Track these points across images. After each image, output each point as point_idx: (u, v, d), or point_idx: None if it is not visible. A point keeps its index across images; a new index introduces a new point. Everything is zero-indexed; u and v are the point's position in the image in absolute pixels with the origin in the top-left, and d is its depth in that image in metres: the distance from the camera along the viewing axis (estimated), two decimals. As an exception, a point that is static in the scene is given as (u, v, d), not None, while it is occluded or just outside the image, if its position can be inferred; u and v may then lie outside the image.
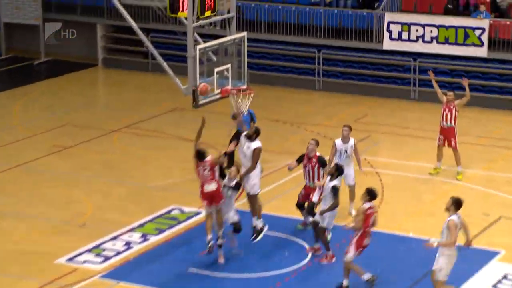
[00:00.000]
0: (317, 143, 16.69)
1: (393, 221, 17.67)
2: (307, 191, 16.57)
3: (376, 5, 27.21)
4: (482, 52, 25.29)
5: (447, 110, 19.48)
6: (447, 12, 26.34)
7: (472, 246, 14.32)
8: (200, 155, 15.51)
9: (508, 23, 25.28)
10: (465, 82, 19.78)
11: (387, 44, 26.44)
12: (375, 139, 22.74)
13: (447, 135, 19.54)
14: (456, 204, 13.83)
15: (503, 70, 25.32)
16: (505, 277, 15.28)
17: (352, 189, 17.75)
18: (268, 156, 20.92)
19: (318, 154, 16.56)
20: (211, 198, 15.40)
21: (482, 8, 25.54)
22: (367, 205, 14.49)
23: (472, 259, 15.83)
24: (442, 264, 13.79)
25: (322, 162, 16.44)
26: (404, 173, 20.32)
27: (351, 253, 14.60)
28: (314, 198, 16.15)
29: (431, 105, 25.29)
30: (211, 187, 15.37)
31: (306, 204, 16.67)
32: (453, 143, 19.54)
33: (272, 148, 21.25)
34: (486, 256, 16.04)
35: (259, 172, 16.51)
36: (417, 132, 23.33)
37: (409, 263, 15.91)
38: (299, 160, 16.72)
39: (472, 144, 22.04)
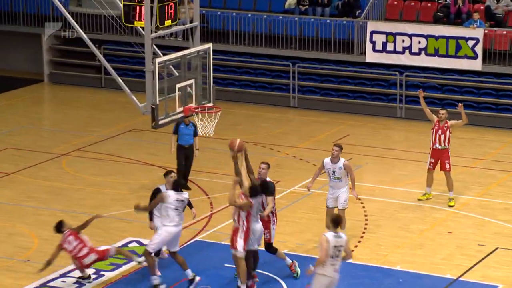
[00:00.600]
0: (269, 166, 16.74)
1: (378, 253, 17.86)
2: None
3: (357, 13, 27.54)
4: (476, 65, 25.67)
5: (440, 131, 19.71)
6: (437, 21, 26.71)
7: (348, 260, 14.62)
8: None
9: (504, 32, 25.70)
10: (460, 108, 19.98)
11: (370, 56, 26.76)
12: (357, 162, 22.92)
13: (440, 157, 19.79)
14: (334, 222, 14.02)
15: (499, 85, 25.68)
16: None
17: (341, 214, 17.90)
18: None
19: (268, 179, 16.58)
20: None
21: (476, 16, 25.91)
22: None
23: (468, 295, 16.18)
24: (313, 285, 14.01)
25: (270, 189, 16.30)
26: (390, 200, 20.54)
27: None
28: (267, 237, 16.31)
29: (419, 124, 25.66)
30: None
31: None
32: (447, 166, 19.79)
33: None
34: (486, 292, 16.29)
35: None
36: (404, 154, 23.60)
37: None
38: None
39: (466, 167, 22.34)
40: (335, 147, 17.86)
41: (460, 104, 20.19)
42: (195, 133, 20.60)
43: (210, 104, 19.65)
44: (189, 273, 15.94)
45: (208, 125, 19.51)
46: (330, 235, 13.91)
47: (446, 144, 19.74)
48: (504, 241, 18.30)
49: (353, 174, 17.91)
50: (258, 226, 15.90)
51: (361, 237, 18.57)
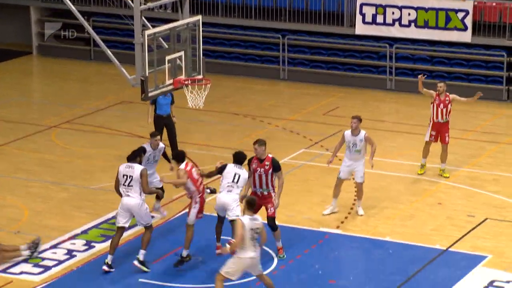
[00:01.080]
0: (263, 143, 16.55)
1: (368, 224, 17.95)
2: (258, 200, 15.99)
3: (347, -15, 27.50)
4: (465, 37, 25.69)
5: (442, 105, 19.76)
6: (428, -8, 26.67)
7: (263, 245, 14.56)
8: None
9: (494, 4, 25.70)
10: (478, 95, 20.19)
11: (360, 29, 26.77)
12: (347, 134, 23.00)
13: (440, 130, 19.85)
14: (249, 205, 14.09)
15: (489, 56, 25.72)
16: (491, 283, 15.58)
17: (359, 187, 18.02)
18: (227, 153, 21.15)
19: (270, 155, 16.55)
20: None
21: (466, -12, 25.94)
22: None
23: (456, 264, 16.24)
24: (229, 264, 14.14)
25: (276, 166, 16.37)
26: (380, 172, 20.58)
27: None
28: (271, 210, 16.29)
29: (409, 96, 25.76)
30: None
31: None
32: (446, 139, 19.88)
33: (233, 145, 21.45)
34: (472, 261, 16.31)
35: None
36: (394, 126, 23.67)
37: (385, 269, 16.17)
38: (248, 161, 16.45)
39: (456, 138, 22.36)
40: (353, 119, 17.92)
41: (479, 93, 20.19)
42: (172, 102, 20.80)
43: (200, 77, 19.60)
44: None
45: (197, 97, 19.48)
46: (245, 218, 14.00)
47: (447, 117, 19.81)
48: (493, 212, 18.41)
49: (375, 144, 18.01)
50: (227, 196, 16.04)
51: (351, 208, 18.63)
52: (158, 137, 17.81)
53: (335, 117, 24.34)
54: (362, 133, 17.88)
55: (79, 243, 17.05)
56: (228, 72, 27.70)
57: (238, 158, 16.24)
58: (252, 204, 14.13)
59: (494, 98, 25.37)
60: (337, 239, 17.23)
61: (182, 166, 16.02)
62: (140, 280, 15.74)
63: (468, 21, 25.56)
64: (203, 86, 18.41)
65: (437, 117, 19.83)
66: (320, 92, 26.48)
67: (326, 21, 27.19)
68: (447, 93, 19.80)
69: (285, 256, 16.53)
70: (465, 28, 25.67)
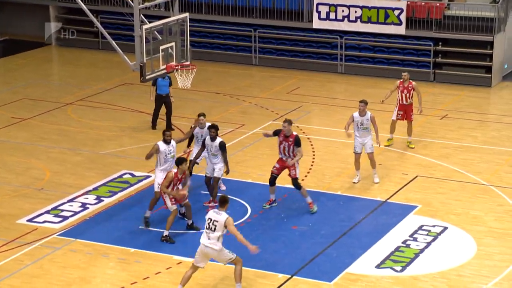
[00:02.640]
0: (291, 123, 16.25)
1: (323, 181, 17.99)
2: (282, 164, 16.40)
3: (306, -12, 27.39)
4: (400, 30, 25.69)
5: (405, 91, 19.58)
6: (370, -6, 26.64)
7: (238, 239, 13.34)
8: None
9: (423, 3, 25.69)
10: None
11: (317, 23, 26.69)
12: (306, 109, 23.01)
13: (406, 110, 19.68)
14: (220, 201, 13.18)
15: (419, 46, 25.75)
16: (420, 227, 15.70)
17: (370, 157, 17.73)
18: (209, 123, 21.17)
19: (295, 133, 16.37)
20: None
21: (401, -10, 25.89)
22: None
23: (393, 212, 16.32)
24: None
25: (297, 142, 16.21)
26: (332, 139, 20.65)
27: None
28: (292, 173, 16.30)
29: (356, 78, 25.81)
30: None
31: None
32: (412, 116, 19.73)
33: (214, 118, 21.41)
34: (405, 210, 16.41)
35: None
36: (344, 102, 23.67)
37: (336, 216, 16.24)
38: (275, 133, 16.49)
39: (392, 112, 22.41)
40: (361, 103, 17.66)
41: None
42: (170, 84, 20.78)
43: (188, 63, 19.56)
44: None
45: (186, 79, 19.45)
46: (211, 211, 13.10)
47: (411, 100, 19.67)
48: (422, 171, 18.46)
49: (377, 126, 17.68)
50: (214, 160, 16.24)
51: (310, 168, 18.67)
52: (202, 117, 16.82)
53: (297, 95, 24.32)
54: (368, 113, 17.60)
55: (91, 198, 17.02)
56: (210, 59, 27.57)
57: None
58: (221, 202, 13.13)
59: (423, 79, 25.40)
60: (299, 194, 17.27)
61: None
62: (140, 227, 15.73)
63: (403, 17, 25.53)
64: (190, 70, 18.39)
65: (402, 100, 19.68)
66: (285, 75, 26.41)
67: (289, 17, 27.05)
68: (411, 81, 19.66)
69: (315, 209, 16.33)
70: (400, 23, 25.63)
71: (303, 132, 20.93)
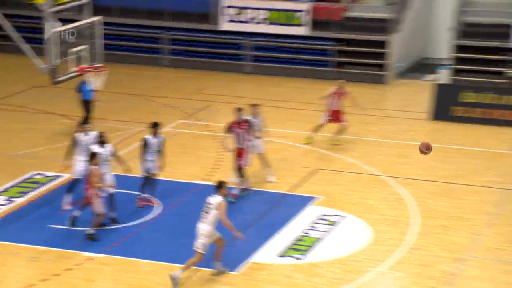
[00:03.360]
0: (241, 109, 16.84)
1: (230, 176, 18.20)
2: (240, 152, 16.70)
3: (213, -10, 27.66)
4: (304, 31, 26.19)
5: (337, 96, 19.65)
6: (276, -3, 27.02)
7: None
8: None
9: (325, 6, 26.27)
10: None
11: (224, 25, 26.95)
12: (214, 108, 23.26)
13: (336, 114, 19.74)
14: (216, 186, 13.61)
15: (323, 46, 26.28)
16: (320, 217, 16.11)
17: (262, 157, 17.78)
18: (121, 125, 21.29)
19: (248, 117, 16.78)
20: None
21: (302, -8, 26.39)
22: None
23: (295, 203, 16.68)
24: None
25: (252, 125, 16.74)
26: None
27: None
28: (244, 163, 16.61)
29: (263, 78, 26.24)
30: None
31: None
32: (342, 119, 19.81)
33: (125, 118, 21.53)
34: (306, 201, 16.79)
35: None
36: (252, 101, 23.59)
37: (241, 209, 16.45)
38: (229, 130, 16.70)
39: (295, 109, 22.91)
40: (251, 107, 17.45)
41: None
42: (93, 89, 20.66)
43: (99, 65, 19.63)
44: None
45: (98, 81, 19.52)
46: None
47: (341, 105, 19.77)
48: (323, 165, 18.88)
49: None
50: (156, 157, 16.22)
51: (218, 164, 18.88)
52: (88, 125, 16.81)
53: (206, 95, 24.57)
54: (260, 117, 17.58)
55: (1, 199, 16.76)
56: (122, 61, 27.56)
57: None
58: (217, 186, 13.50)
59: (325, 77, 25.91)
60: (206, 189, 17.42)
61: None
62: (48, 226, 15.69)
63: (306, 19, 26.04)
64: (102, 72, 18.44)
65: (333, 106, 19.69)
66: (195, 75, 26.62)
67: (199, 20, 27.25)
68: (345, 90, 19.77)
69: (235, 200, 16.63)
70: (304, 25, 26.14)
71: (211, 130, 21.22)
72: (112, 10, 27.89)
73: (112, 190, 15.61)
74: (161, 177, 17.52)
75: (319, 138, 20.54)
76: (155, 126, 16.30)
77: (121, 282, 13.57)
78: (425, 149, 14.36)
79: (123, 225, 15.69)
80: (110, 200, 15.51)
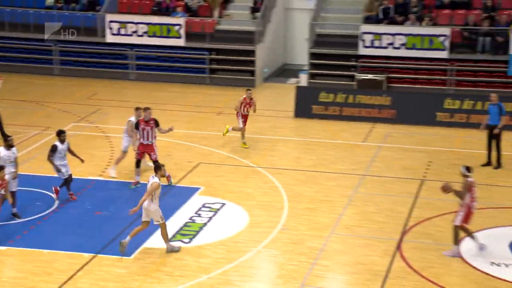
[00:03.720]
0: (149, 108, 16.61)
1: (121, 171, 17.80)
2: (143, 150, 16.52)
3: (98, 8, 27.09)
4: (180, 42, 26.04)
5: (248, 105, 19.21)
6: (153, 13, 26.79)
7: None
8: None
9: (198, 20, 26.23)
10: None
11: (110, 38, 26.47)
12: (104, 112, 22.79)
13: (247, 118, 19.28)
14: (154, 168, 13.88)
15: (197, 55, 26.21)
16: (204, 205, 16.06)
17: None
18: (19, 129, 20.52)
19: (153, 117, 16.56)
20: None
21: (179, 9, 26.25)
22: None
23: (180, 194, 16.53)
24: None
25: (157, 122, 16.63)
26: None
27: None
28: (153, 156, 16.53)
29: (146, 84, 25.89)
30: None
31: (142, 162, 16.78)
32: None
33: (22, 123, 20.74)
34: (191, 192, 16.66)
35: None
36: (136, 104, 23.44)
37: (135, 202, 16.14)
38: (136, 127, 16.44)
39: (178, 111, 22.76)
40: (142, 109, 16.68)
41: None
42: None
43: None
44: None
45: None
46: (151, 176, 13.65)
47: (249, 111, 19.37)
48: (203, 159, 18.80)
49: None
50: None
51: (110, 162, 18.51)
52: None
53: (95, 100, 24.03)
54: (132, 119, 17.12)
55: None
56: (16, 71, 26.62)
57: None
58: (155, 168, 13.77)
59: (201, 83, 25.97)
60: (100, 184, 17.16)
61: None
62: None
63: (182, 31, 25.91)
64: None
65: (244, 111, 19.26)
66: (84, 83, 25.98)
67: (86, 33, 26.62)
68: (252, 97, 19.36)
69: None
70: (180, 37, 26.00)
71: (102, 131, 20.74)
72: (3, 25, 26.85)
73: (15, 188, 14.99)
74: (56, 174, 16.95)
75: (200, 136, 20.48)
76: (61, 133, 15.81)
77: (25, 271, 13.11)
78: (445, 189, 13.81)
79: (25, 219, 15.12)
80: (13, 197, 14.87)
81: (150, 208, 13.65)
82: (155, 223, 13.82)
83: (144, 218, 13.84)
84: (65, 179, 15.97)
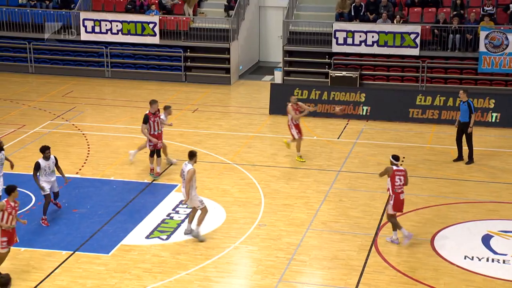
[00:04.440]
0: (155, 101, 17.06)
1: (98, 169, 17.79)
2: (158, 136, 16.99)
3: (72, 6, 26.81)
4: (155, 40, 25.88)
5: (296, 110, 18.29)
6: (128, 10, 26.56)
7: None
8: None
9: (172, 18, 26.05)
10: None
11: (84, 36, 26.19)
12: (80, 109, 22.56)
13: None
14: (188, 155, 14.03)
15: (172, 53, 26.07)
16: (181, 202, 15.92)
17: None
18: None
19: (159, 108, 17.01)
20: None
21: (153, 7, 26.06)
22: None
23: (158, 191, 16.46)
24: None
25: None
26: (104, 133, 20.44)
27: None
28: (160, 145, 17.05)
29: (122, 81, 25.69)
30: None
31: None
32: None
33: (-3, 121, 20.47)
34: (168, 189, 16.60)
35: None
36: (112, 102, 23.51)
37: (111, 198, 16.14)
38: (145, 121, 16.80)
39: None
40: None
41: None
42: None
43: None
44: None
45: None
46: (184, 164, 14.01)
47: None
48: (179, 156, 18.60)
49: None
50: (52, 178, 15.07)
51: (86, 159, 18.35)
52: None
53: (71, 98, 23.78)
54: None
55: None
56: (-10, 69, 26.28)
57: None
58: (189, 155, 13.97)
59: (176, 80, 25.82)
60: (77, 181, 16.99)
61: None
62: None
63: (157, 29, 25.71)
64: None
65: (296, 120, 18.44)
66: (59, 81, 25.69)
67: (59, 31, 26.30)
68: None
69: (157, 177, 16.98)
70: (154, 34, 25.79)
71: (78, 129, 20.52)
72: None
73: None
74: (30, 172, 16.73)
75: (176, 133, 20.37)
76: (45, 150, 14.80)
77: (2, 270, 12.86)
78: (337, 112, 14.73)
79: (2, 218, 14.84)
80: None
81: (190, 194, 13.95)
82: (196, 207, 14.20)
83: (190, 204, 14.21)
84: (45, 196, 14.78)
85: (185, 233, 14.39)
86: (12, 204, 12.56)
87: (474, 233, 14.49)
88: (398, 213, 14.10)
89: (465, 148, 18.16)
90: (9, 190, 12.56)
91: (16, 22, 26.41)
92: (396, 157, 13.95)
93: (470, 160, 18.19)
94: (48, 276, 12.87)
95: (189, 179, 13.77)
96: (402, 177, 13.75)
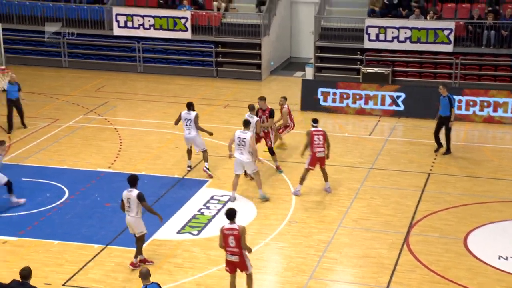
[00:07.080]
0: (264, 98, 17.41)
1: (130, 163, 17.87)
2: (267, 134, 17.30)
3: (105, 1, 26.94)
4: (187, 35, 25.91)
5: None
6: (160, 6, 26.62)
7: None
8: None
9: (204, 13, 26.06)
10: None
11: (117, 31, 26.31)
12: (112, 104, 22.69)
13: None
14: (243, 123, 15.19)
15: (203, 48, 26.08)
16: (212, 198, 16.02)
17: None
18: (28, 121, 20.47)
19: (269, 107, 17.33)
20: None
21: (185, 2, 26.08)
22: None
23: (189, 186, 16.49)
24: None
25: (272, 113, 17.31)
26: (136, 128, 20.54)
27: None
28: (268, 143, 17.32)
29: (153, 76, 25.76)
30: None
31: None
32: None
33: (31, 115, 20.64)
34: (199, 184, 16.61)
35: None
36: (144, 97, 23.60)
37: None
38: (256, 114, 16.94)
39: (185, 103, 22.53)
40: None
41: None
42: (19, 89, 19.67)
43: (3, 67, 18.76)
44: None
45: (2, 82, 18.64)
46: (238, 131, 15.34)
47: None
48: (210, 151, 18.34)
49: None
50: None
51: (118, 154, 18.45)
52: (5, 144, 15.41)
53: (104, 92, 23.92)
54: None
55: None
56: (24, 63, 26.47)
57: None
58: (245, 124, 15.41)
59: (207, 75, 25.82)
60: (109, 176, 17.10)
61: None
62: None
63: (188, 24, 25.71)
64: (5, 74, 17.65)
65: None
66: (92, 75, 25.85)
67: (94, 26, 26.47)
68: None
69: (283, 171, 17.20)
70: (186, 29, 25.83)
71: (111, 124, 20.64)
72: (11, 18, 26.71)
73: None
74: (66, 166, 16.91)
75: (207, 128, 20.31)
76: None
77: (35, 261, 13.06)
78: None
79: (35, 210, 15.05)
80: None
81: (250, 159, 15.17)
82: (249, 172, 15.58)
83: (236, 171, 15.35)
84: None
85: (232, 201, 15.46)
86: None
87: (509, 232, 14.28)
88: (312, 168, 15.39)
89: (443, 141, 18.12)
90: None
91: (50, 17, 26.61)
92: (315, 120, 15.95)
93: (448, 151, 18.27)
94: (81, 269, 12.96)
95: (253, 144, 15.22)
96: (321, 136, 15.62)
